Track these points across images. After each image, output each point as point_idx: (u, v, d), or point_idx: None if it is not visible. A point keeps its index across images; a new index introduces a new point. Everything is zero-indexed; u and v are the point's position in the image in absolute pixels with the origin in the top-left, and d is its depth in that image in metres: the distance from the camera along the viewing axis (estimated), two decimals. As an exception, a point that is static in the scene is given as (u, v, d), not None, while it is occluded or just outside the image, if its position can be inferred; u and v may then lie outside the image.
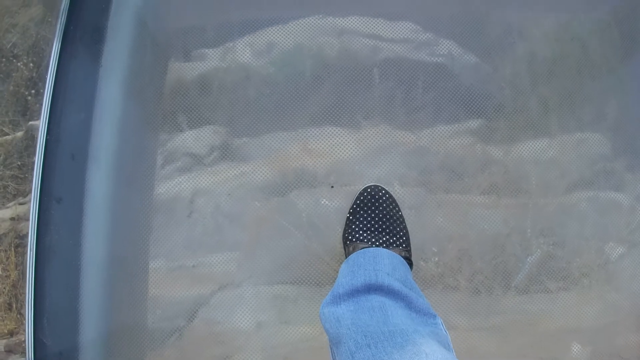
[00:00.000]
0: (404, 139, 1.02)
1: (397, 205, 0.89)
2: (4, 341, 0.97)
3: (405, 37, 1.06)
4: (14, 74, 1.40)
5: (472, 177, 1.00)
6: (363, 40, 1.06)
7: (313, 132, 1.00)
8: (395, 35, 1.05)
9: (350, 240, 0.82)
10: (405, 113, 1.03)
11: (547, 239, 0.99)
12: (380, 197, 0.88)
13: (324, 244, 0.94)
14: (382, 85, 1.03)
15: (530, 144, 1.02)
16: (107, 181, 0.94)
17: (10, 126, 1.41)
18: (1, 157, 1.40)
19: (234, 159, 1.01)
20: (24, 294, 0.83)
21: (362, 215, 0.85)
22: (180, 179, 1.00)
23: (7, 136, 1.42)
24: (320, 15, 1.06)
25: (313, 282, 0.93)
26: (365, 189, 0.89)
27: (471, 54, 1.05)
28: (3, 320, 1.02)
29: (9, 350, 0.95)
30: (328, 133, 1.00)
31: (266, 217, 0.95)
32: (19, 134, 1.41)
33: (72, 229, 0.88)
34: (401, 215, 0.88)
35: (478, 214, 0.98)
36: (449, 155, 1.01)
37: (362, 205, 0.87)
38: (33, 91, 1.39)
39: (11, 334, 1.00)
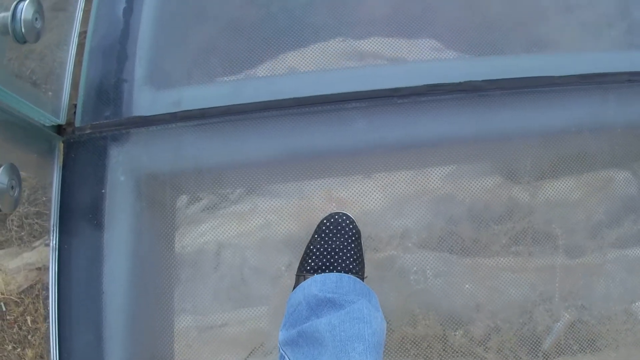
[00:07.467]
0: (429, 185, 1.00)
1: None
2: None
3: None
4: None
5: (499, 224, 0.99)
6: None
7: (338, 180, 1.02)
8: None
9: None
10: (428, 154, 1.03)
11: (574, 302, 0.98)
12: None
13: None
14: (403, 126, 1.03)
15: (556, 183, 1.02)
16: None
17: (33, 160, 1.40)
18: (25, 193, 1.39)
19: (260, 194, 1.01)
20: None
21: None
22: (205, 226, 1.00)
23: (31, 170, 1.41)
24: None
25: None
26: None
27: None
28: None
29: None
30: (352, 178, 1.01)
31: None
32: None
33: None
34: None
35: (506, 279, 0.98)
36: (475, 201, 1.00)
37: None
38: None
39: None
